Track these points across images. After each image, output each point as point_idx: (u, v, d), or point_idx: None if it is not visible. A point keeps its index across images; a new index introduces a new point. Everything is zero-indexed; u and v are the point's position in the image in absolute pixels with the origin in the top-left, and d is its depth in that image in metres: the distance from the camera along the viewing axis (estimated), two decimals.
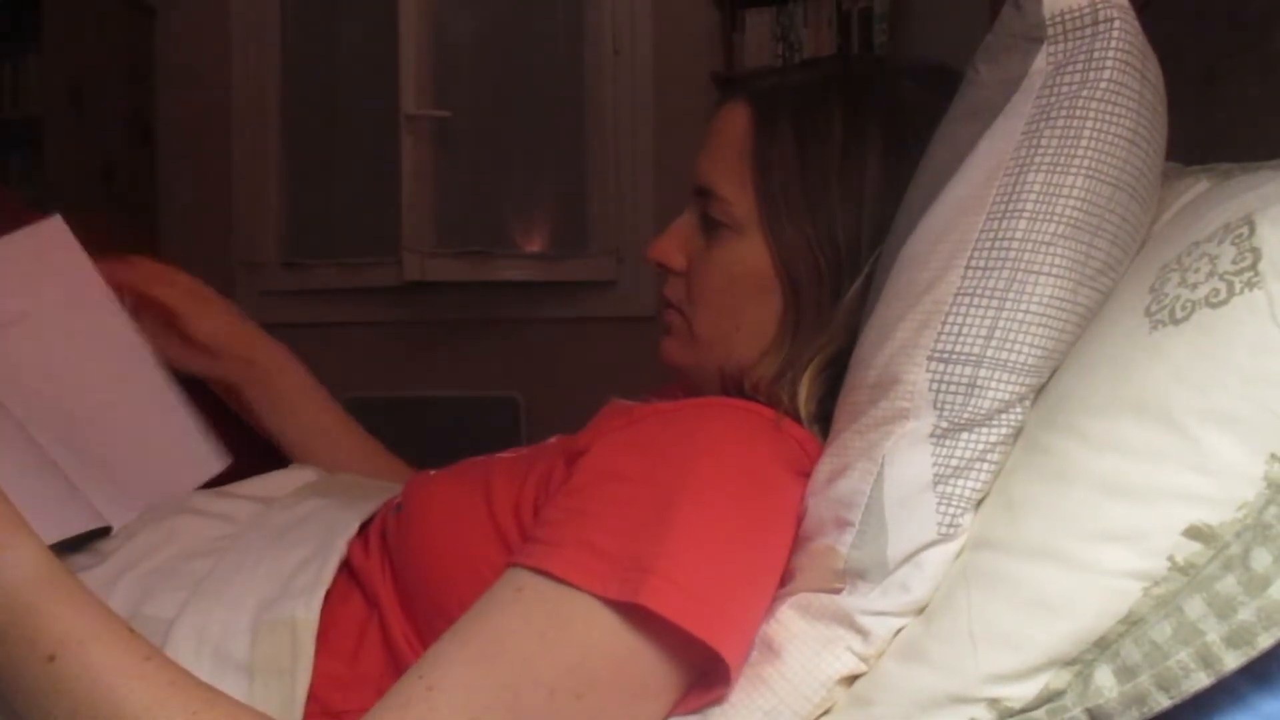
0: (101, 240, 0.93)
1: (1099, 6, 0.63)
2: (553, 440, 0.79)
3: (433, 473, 0.80)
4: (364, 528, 0.77)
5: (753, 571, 0.61)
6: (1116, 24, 0.62)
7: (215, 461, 0.93)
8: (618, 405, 0.74)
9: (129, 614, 0.74)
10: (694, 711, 0.60)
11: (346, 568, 0.74)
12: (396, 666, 0.67)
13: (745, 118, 0.75)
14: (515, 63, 3.12)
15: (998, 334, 0.59)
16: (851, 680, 0.59)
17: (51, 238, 0.90)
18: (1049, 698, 0.54)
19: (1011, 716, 0.54)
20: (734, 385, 0.75)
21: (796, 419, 0.71)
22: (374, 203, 3.11)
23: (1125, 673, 0.52)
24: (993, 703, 0.54)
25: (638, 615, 0.57)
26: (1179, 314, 0.55)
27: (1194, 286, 0.55)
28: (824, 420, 0.70)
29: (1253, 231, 0.55)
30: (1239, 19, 1.24)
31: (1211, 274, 0.55)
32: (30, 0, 2.84)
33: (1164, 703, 0.51)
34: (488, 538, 0.67)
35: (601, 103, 3.07)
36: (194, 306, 0.97)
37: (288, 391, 1.01)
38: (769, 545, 0.63)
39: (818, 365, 0.71)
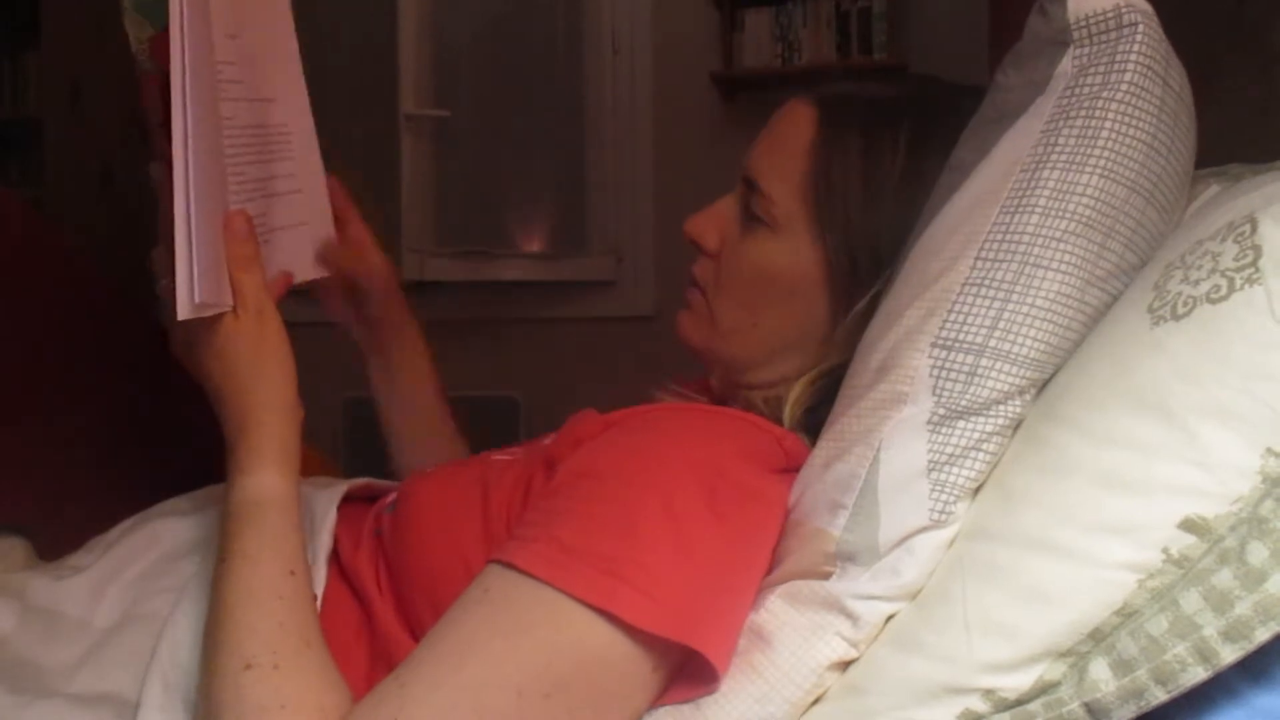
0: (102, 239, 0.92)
1: (1123, 10, 0.63)
2: (547, 440, 0.79)
3: (430, 470, 0.80)
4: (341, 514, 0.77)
5: (728, 565, 0.61)
6: (1140, 29, 0.62)
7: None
8: (588, 415, 0.74)
9: (123, 617, 0.74)
10: (686, 701, 0.60)
11: (336, 561, 0.74)
12: (389, 665, 0.66)
13: (810, 121, 0.74)
14: (515, 63, 3.11)
15: (1001, 325, 0.60)
16: (843, 666, 0.59)
17: None
18: (1044, 689, 0.54)
19: (1007, 708, 0.54)
20: (731, 380, 0.75)
21: (777, 422, 0.71)
22: (374, 202, 3.11)
23: (1122, 666, 0.52)
24: (987, 693, 0.54)
25: (609, 616, 0.56)
26: (1180, 310, 0.55)
27: (1196, 283, 0.55)
28: (808, 429, 0.70)
29: (1254, 229, 0.55)
30: (1239, 19, 1.24)
31: (1213, 270, 0.55)
32: (30, 0, 2.84)
33: (1161, 697, 0.51)
34: (481, 544, 0.67)
35: (601, 103, 3.06)
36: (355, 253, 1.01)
37: (405, 362, 1.05)
38: (743, 538, 0.62)
39: (814, 374, 0.71)
